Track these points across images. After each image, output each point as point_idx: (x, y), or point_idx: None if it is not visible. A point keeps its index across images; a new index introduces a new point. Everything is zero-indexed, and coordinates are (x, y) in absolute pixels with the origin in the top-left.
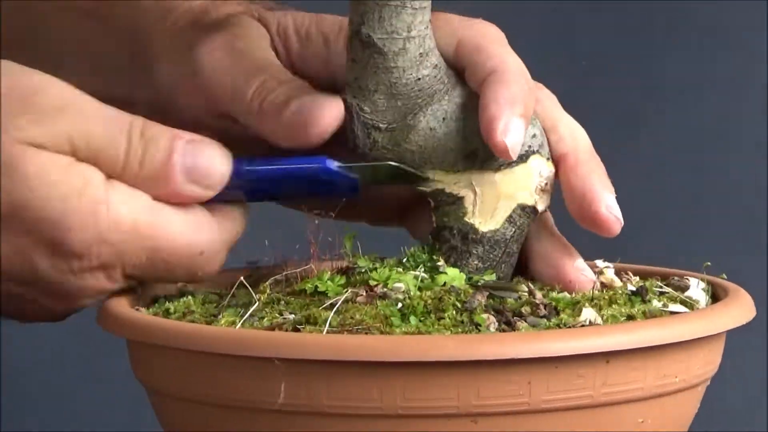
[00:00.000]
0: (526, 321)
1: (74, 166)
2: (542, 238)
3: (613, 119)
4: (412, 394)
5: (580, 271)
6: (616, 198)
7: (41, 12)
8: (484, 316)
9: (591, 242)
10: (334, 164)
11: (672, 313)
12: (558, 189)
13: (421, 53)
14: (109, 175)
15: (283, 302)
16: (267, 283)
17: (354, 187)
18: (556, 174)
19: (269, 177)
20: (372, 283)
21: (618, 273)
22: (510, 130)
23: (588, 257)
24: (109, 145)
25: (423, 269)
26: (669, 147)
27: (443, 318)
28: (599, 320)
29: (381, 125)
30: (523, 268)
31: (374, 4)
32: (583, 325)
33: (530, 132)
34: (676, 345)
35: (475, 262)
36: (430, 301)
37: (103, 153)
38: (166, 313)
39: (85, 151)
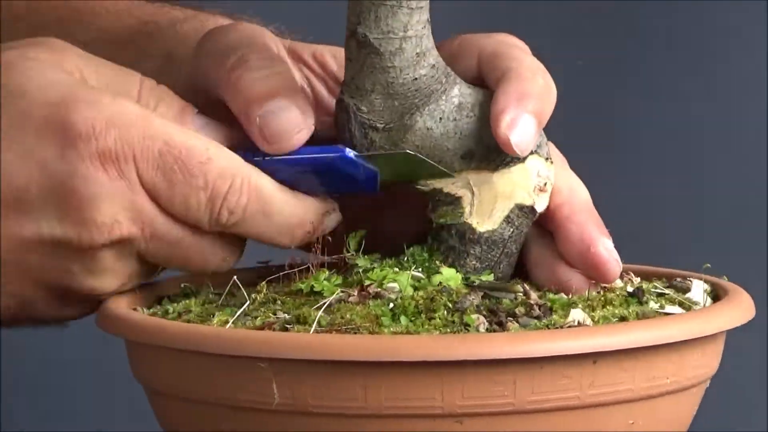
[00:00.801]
0: (518, 321)
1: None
2: (537, 242)
3: (613, 120)
4: (395, 393)
5: (574, 272)
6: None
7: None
8: (474, 316)
9: None
10: (352, 153)
11: (666, 314)
12: None
13: (417, 53)
14: None
15: (279, 302)
16: (264, 282)
17: (373, 181)
18: (551, 224)
19: (284, 168)
20: (366, 282)
21: (620, 274)
22: (517, 125)
23: None
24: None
25: (420, 269)
26: (669, 147)
27: (434, 318)
28: (588, 321)
29: (378, 125)
30: (525, 273)
31: (370, 4)
32: (570, 326)
33: None
34: (667, 346)
35: (473, 263)
36: (421, 301)
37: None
38: (165, 314)
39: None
